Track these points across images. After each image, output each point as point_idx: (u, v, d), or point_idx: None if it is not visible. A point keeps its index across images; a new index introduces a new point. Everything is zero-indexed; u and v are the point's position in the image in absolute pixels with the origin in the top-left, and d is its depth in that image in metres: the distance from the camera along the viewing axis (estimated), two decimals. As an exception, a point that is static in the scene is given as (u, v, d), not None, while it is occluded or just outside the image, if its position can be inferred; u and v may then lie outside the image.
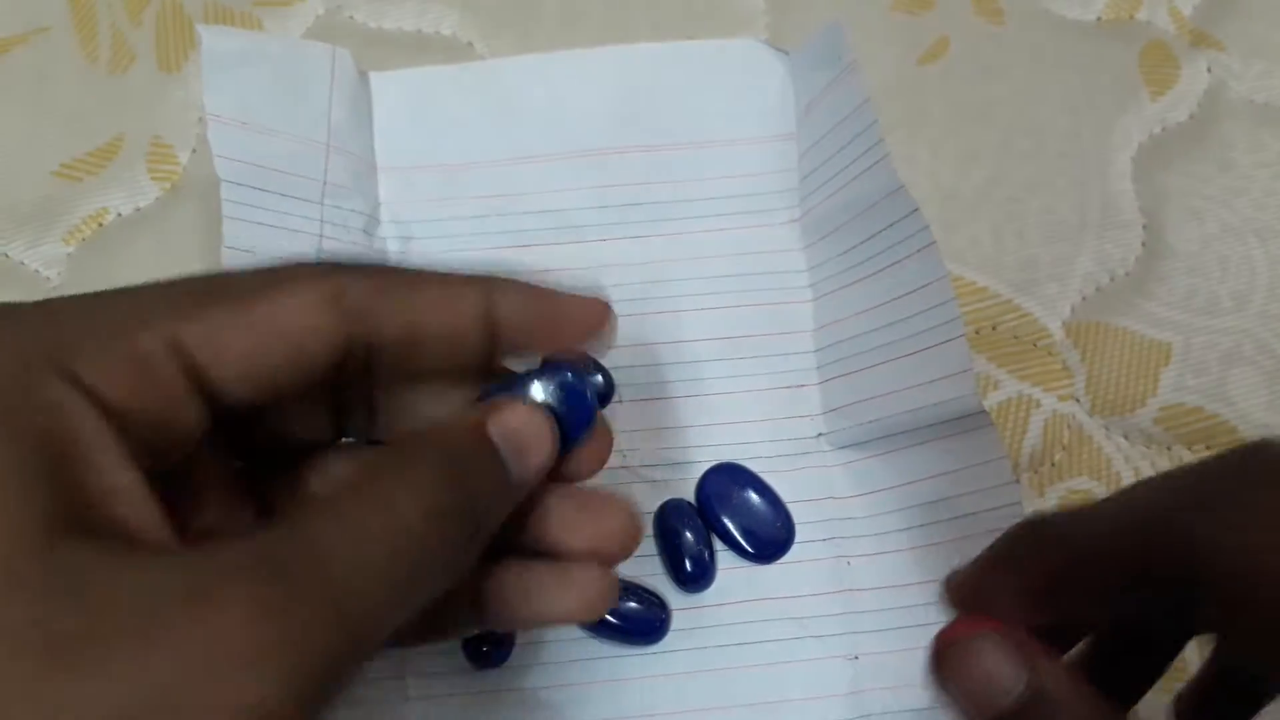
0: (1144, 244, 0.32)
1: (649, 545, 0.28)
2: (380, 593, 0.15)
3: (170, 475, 0.16)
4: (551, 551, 0.20)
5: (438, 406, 0.21)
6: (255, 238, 0.28)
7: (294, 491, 0.20)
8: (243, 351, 0.17)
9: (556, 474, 0.20)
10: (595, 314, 0.20)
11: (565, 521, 0.20)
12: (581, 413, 0.20)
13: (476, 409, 0.19)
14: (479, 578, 0.20)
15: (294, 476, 0.20)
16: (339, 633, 0.14)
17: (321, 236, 0.29)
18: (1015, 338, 0.31)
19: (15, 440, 0.14)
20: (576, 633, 0.27)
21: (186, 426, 0.17)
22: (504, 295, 0.19)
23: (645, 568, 0.28)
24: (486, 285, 0.19)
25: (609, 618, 0.27)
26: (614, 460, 0.29)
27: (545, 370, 0.20)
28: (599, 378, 0.24)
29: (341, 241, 0.30)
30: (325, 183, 0.30)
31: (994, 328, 0.31)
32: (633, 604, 0.27)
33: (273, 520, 0.15)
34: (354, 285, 0.18)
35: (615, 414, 0.30)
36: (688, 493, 0.29)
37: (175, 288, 0.17)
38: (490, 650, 0.26)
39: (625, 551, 0.21)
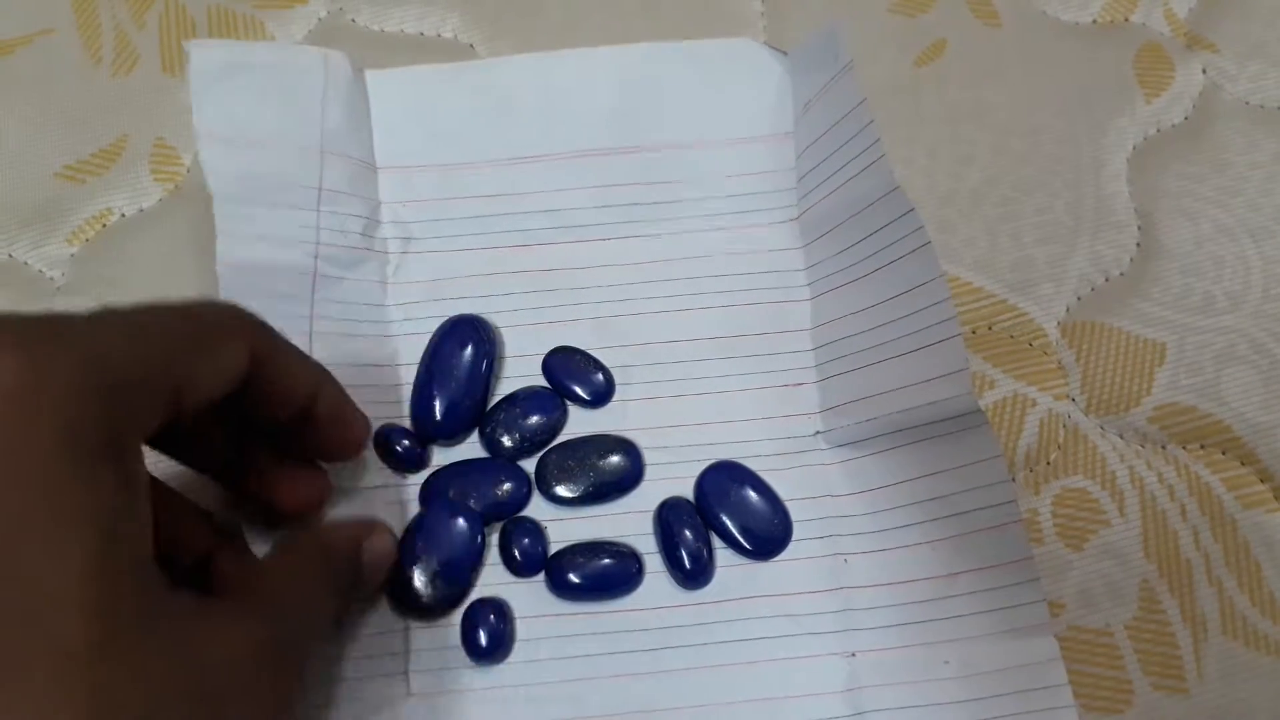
0: (1139, 244, 0.33)
1: (649, 543, 0.28)
2: (307, 625, 0.23)
3: None
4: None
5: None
6: (250, 251, 0.28)
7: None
8: (206, 390, 0.21)
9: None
10: (361, 434, 0.26)
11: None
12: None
13: (355, 524, 0.26)
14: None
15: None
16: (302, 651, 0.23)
17: (318, 244, 0.29)
18: (1011, 337, 0.31)
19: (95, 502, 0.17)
20: (577, 627, 0.27)
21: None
22: (327, 388, 0.25)
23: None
24: (322, 373, 0.25)
25: (577, 578, 0.27)
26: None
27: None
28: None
29: (339, 247, 0.30)
30: (321, 189, 0.30)
31: (990, 328, 0.31)
32: (605, 560, 0.28)
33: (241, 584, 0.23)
34: (258, 338, 0.23)
35: (615, 413, 0.30)
36: (686, 491, 0.29)
37: (164, 329, 0.20)
38: (489, 644, 0.27)
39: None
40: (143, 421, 0.19)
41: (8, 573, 0.16)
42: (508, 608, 0.27)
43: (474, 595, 0.27)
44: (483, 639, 0.27)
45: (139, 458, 0.19)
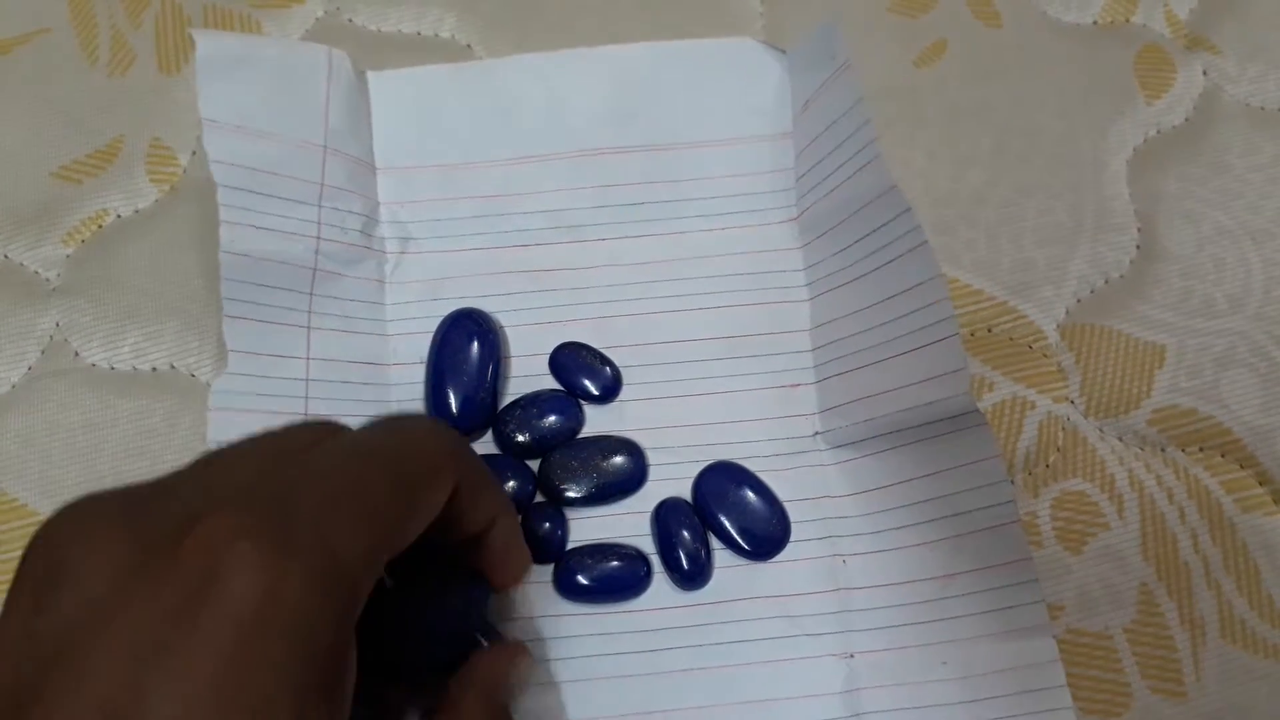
0: (1139, 247, 0.32)
1: (647, 544, 0.28)
2: None
3: None
4: None
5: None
6: (253, 241, 0.28)
7: None
8: (410, 539, 0.20)
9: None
10: (524, 568, 0.25)
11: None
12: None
13: (501, 656, 0.24)
14: None
15: None
16: None
17: (319, 239, 0.29)
18: (1010, 340, 0.31)
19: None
20: (576, 627, 0.27)
21: None
22: (505, 519, 0.24)
23: (641, 567, 0.28)
24: (504, 502, 0.24)
25: (585, 580, 0.27)
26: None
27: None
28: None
29: (339, 243, 0.30)
30: (322, 185, 0.30)
31: (989, 330, 0.31)
32: (614, 562, 0.28)
33: None
34: (461, 469, 0.22)
35: (613, 413, 0.30)
36: (684, 491, 0.29)
37: (380, 492, 0.20)
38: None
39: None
40: (357, 607, 0.18)
41: None
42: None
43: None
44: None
45: (352, 649, 0.18)
